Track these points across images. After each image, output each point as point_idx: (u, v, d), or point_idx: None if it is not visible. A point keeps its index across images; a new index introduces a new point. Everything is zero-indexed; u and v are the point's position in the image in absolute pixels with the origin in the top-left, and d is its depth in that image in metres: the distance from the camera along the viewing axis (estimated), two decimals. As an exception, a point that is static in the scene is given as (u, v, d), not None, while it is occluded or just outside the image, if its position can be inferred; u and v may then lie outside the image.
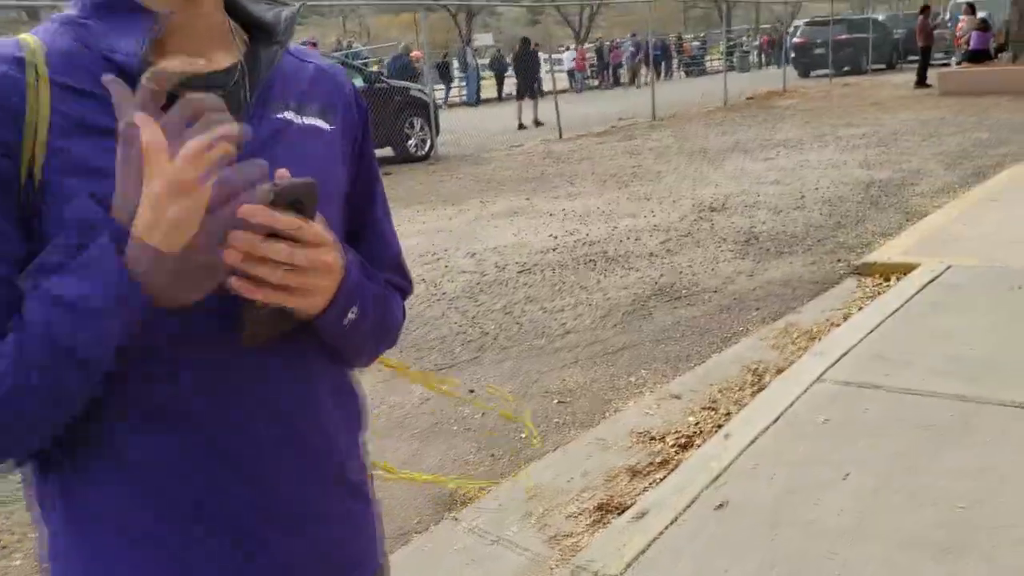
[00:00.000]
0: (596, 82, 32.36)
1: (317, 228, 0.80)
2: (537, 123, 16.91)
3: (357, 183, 1.02)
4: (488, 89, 28.75)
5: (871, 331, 4.06)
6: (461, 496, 3.01)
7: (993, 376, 3.45)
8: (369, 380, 4.13)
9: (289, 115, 0.92)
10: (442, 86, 26.84)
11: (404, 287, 1.10)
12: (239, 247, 0.75)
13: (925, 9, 20.45)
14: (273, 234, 0.76)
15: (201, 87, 0.85)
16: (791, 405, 3.37)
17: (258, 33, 0.95)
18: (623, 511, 2.82)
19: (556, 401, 3.81)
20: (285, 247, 0.77)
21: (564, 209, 8.29)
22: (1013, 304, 4.31)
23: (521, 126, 16.97)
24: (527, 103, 17.73)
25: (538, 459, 3.28)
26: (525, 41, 18.38)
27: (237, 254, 0.75)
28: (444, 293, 5.69)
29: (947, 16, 28.08)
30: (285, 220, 0.76)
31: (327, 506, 0.95)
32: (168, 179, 0.70)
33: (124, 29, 0.83)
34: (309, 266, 0.79)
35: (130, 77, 0.79)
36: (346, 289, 0.87)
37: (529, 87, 17.79)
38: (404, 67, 17.74)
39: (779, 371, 3.86)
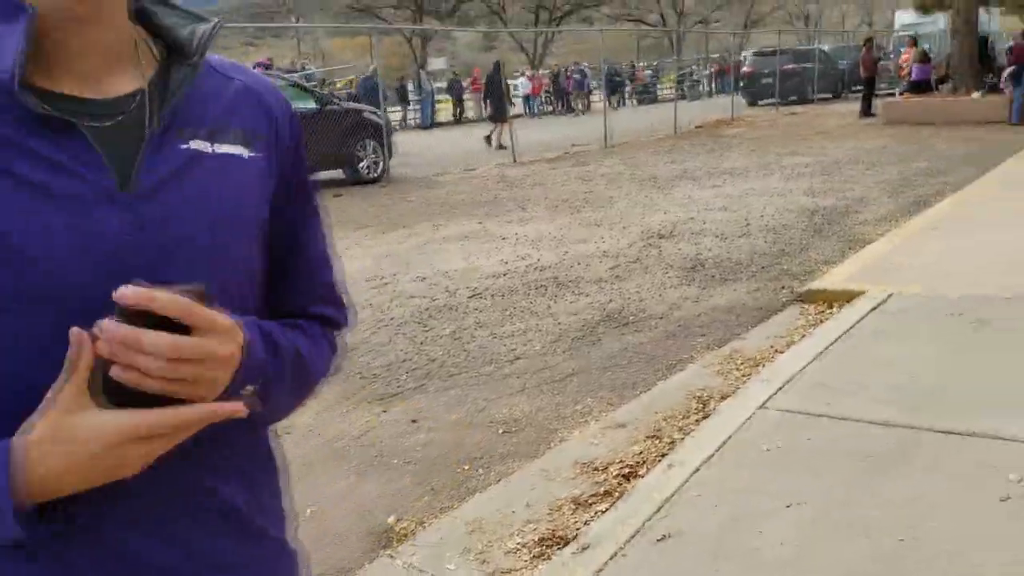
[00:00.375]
0: (550, 108, 32.67)
1: (210, 316, 0.72)
2: (501, 146, 17.03)
3: (285, 210, 0.94)
4: (443, 112, 28.85)
5: (814, 359, 4.10)
6: (398, 532, 2.94)
7: (933, 405, 3.49)
8: (310, 411, 4.05)
9: (200, 144, 0.83)
10: (398, 108, 26.86)
11: (337, 320, 1.03)
12: (112, 338, 0.67)
13: (869, 41, 21.14)
14: (160, 322, 0.69)
15: (97, 114, 0.79)
16: (735, 433, 3.37)
17: (173, 49, 0.86)
18: (566, 544, 2.77)
19: (501, 431, 3.76)
20: (166, 340, 0.68)
21: (516, 234, 8.29)
22: (953, 333, 4.39)
23: (488, 139, 17.13)
24: (498, 125, 18.01)
25: (481, 491, 3.22)
26: (496, 66, 18.76)
27: (108, 346, 0.68)
28: (392, 318, 5.62)
29: (890, 48, 28.98)
30: (169, 303, 0.68)
31: (236, 556, 0.90)
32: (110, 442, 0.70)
33: (5, 37, 0.74)
34: (197, 357, 0.71)
35: (8, 94, 0.73)
36: (241, 376, 0.78)
37: (500, 110, 18.04)
38: (373, 88, 17.77)
39: (723, 398, 3.86)
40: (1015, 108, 15.38)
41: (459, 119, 28.44)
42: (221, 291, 0.81)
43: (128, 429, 0.70)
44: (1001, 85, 16.14)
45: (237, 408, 0.74)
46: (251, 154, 0.88)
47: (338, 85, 21.71)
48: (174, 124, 0.82)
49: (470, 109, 29.48)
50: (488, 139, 17.31)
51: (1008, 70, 15.86)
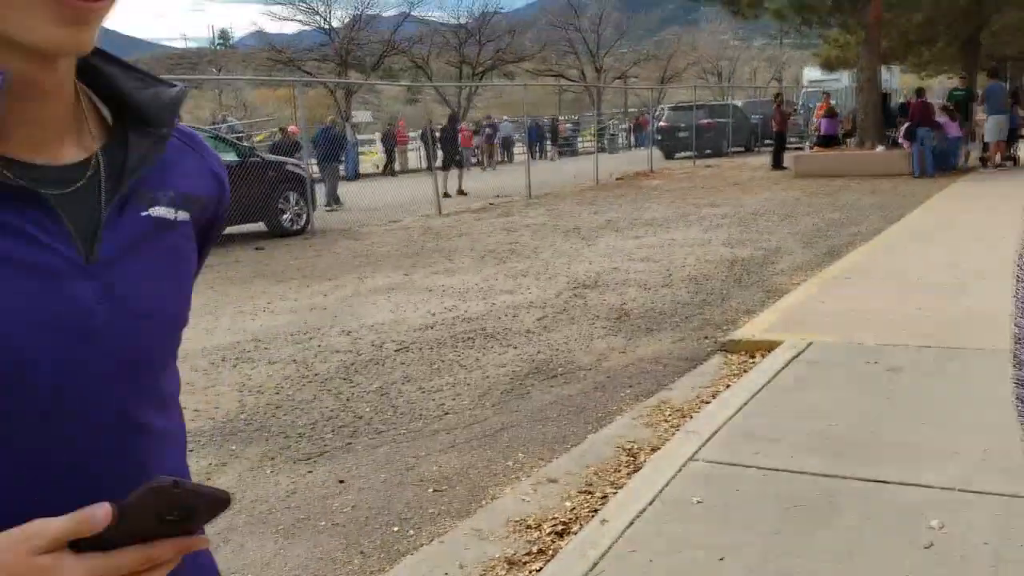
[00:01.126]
0: (475, 160, 32.97)
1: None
2: (461, 192, 17.41)
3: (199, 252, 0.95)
4: (367, 164, 28.77)
5: (739, 409, 4.16)
6: (327, 600, 2.83)
7: (855, 453, 3.57)
8: (231, 473, 3.90)
9: (161, 211, 0.82)
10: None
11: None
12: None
13: (778, 97, 22.17)
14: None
15: (54, 181, 0.74)
16: (665, 486, 3.38)
17: (128, 114, 0.82)
18: (499, 606, 2.71)
19: (432, 490, 3.69)
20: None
21: (443, 285, 8.26)
22: (870, 379, 4.52)
23: (446, 195, 17.31)
24: (452, 173, 18.86)
25: (412, 553, 3.13)
26: (452, 117, 19.85)
27: None
28: (316, 374, 5.50)
29: (799, 103, 30.35)
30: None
31: None
32: None
33: None
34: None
35: None
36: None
37: (452, 158, 18.91)
38: (334, 139, 17.83)
39: (653, 450, 3.87)
40: (915, 162, 16.22)
41: (393, 171, 28.38)
42: (169, 348, 0.85)
43: (104, 569, 0.66)
44: (900, 140, 17.03)
45: (204, 541, 0.73)
46: (196, 216, 0.89)
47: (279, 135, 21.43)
48: (135, 192, 0.81)
49: (398, 160, 29.54)
50: (447, 194, 17.57)
51: (904, 126, 16.76)
